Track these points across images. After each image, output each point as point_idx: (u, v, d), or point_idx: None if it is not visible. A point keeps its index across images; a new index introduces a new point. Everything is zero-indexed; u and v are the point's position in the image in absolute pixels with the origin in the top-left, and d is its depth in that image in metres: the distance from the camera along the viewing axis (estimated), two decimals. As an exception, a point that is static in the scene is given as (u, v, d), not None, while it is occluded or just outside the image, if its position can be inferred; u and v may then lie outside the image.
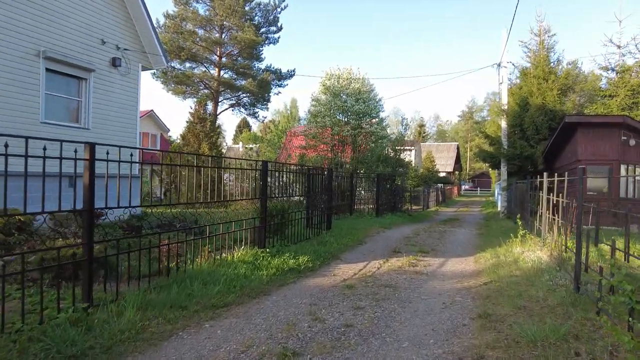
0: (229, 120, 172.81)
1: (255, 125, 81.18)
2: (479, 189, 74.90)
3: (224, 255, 7.58)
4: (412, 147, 52.29)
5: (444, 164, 64.45)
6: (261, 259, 7.72)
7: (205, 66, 28.90)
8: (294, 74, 30.24)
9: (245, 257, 7.71)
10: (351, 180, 17.97)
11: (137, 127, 14.42)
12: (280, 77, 29.91)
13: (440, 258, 9.35)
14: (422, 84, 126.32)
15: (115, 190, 5.26)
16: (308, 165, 13.30)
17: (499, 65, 22.40)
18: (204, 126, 23.33)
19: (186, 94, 29.97)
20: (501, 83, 22.25)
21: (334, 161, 20.87)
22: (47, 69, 11.53)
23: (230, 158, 8.92)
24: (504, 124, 21.98)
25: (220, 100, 30.37)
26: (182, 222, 10.99)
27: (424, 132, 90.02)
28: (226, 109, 31.59)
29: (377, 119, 21.48)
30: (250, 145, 23.60)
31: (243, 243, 8.24)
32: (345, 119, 20.88)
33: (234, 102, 31.29)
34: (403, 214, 20.37)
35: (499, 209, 27.74)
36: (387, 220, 16.74)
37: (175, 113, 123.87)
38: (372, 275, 7.41)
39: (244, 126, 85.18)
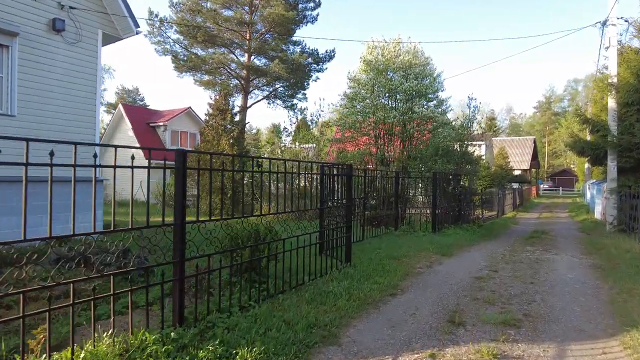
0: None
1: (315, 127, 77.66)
2: (560, 188, 66.02)
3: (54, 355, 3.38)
4: (482, 142, 46.13)
5: (519, 161, 57.31)
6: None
7: (231, 51, 25.24)
8: (333, 56, 25.57)
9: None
10: (396, 181, 13.24)
11: (97, 115, 10.71)
12: (318, 59, 25.41)
13: (548, 344, 4.53)
14: (492, 56, 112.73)
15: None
16: (324, 162, 8.89)
17: (604, 23, 16.58)
18: (224, 119, 19.60)
19: (216, 86, 26.55)
20: (608, 47, 16.40)
21: (379, 157, 16.25)
22: None
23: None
24: (612, 102, 16.12)
25: (251, 90, 26.53)
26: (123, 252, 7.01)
27: (495, 126, 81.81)
28: (259, 101, 27.67)
29: (435, 101, 16.54)
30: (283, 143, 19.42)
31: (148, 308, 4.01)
32: (392, 103, 16.15)
33: (268, 93, 27.36)
34: (471, 226, 15.25)
35: (598, 216, 21.55)
36: (447, 239, 11.85)
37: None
38: None
39: (302, 127, 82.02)
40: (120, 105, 33.94)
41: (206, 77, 25.83)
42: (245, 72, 25.12)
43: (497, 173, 45.98)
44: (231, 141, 19.31)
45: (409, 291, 6.58)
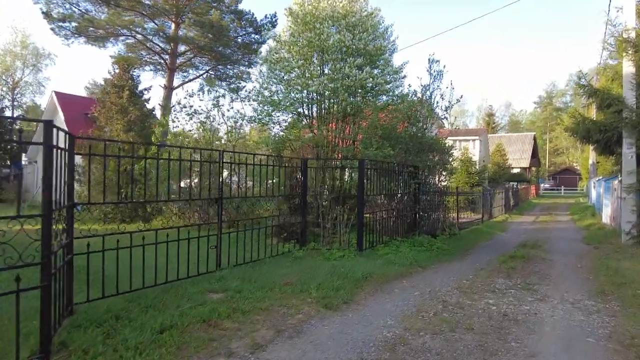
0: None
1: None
2: (562, 188, 61.34)
3: None
4: (476, 137, 41.62)
5: (518, 159, 52.96)
6: None
7: (150, 18, 20.36)
8: (275, 22, 20.53)
9: None
10: (303, 173, 8.67)
11: None
12: (258, 28, 20.52)
13: None
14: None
15: None
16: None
17: (615, -44, 12.12)
18: (120, 97, 15.14)
19: (142, 66, 21.96)
20: (621, -9, 11.97)
21: (318, 144, 11.75)
22: None
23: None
24: (628, 65, 11.65)
25: (179, 66, 21.68)
26: None
27: (494, 123, 77.20)
28: (188, 81, 22.81)
29: (385, 68, 11.99)
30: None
31: None
32: (326, 69, 11.61)
33: (204, 72, 22.60)
34: (432, 239, 10.69)
35: (606, 220, 17.03)
36: (369, 265, 7.28)
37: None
38: None
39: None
40: (52, 93, 29.55)
41: (127, 54, 21.19)
42: (171, 44, 20.41)
43: (495, 171, 41.72)
44: (130, 124, 14.86)
45: None
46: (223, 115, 13.00)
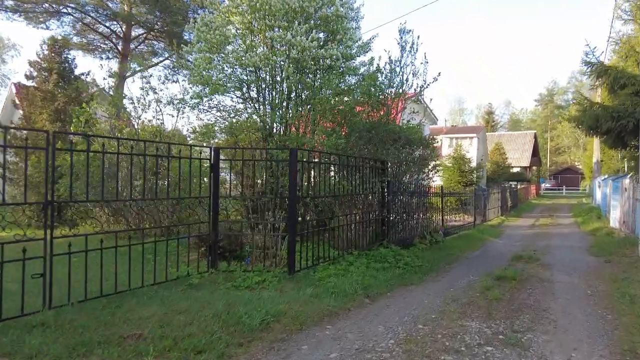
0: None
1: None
2: (564, 187, 59.08)
3: None
4: (474, 134, 39.30)
5: (518, 158, 50.91)
6: None
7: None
8: None
9: None
10: (213, 168, 6.43)
11: None
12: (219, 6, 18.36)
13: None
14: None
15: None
16: None
17: None
18: (46, 82, 12.96)
19: (95, 51, 19.63)
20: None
21: (262, 130, 9.58)
22: None
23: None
24: (647, 35, 9.40)
25: (134, 50, 19.39)
26: None
27: (493, 121, 75.05)
28: (145, 68, 20.48)
29: (348, 43, 9.76)
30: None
31: None
32: (273, 42, 9.41)
33: (164, 59, 20.31)
34: (400, 254, 8.44)
35: (614, 224, 14.85)
36: (289, 298, 5.04)
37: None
38: None
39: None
40: (11, 85, 27.42)
41: (73, 36, 18.92)
42: (122, 26, 18.13)
43: (495, 170, 39.74)
44: (58, 113, 12.68)
45: None
46: (156, 99, 10.82)
